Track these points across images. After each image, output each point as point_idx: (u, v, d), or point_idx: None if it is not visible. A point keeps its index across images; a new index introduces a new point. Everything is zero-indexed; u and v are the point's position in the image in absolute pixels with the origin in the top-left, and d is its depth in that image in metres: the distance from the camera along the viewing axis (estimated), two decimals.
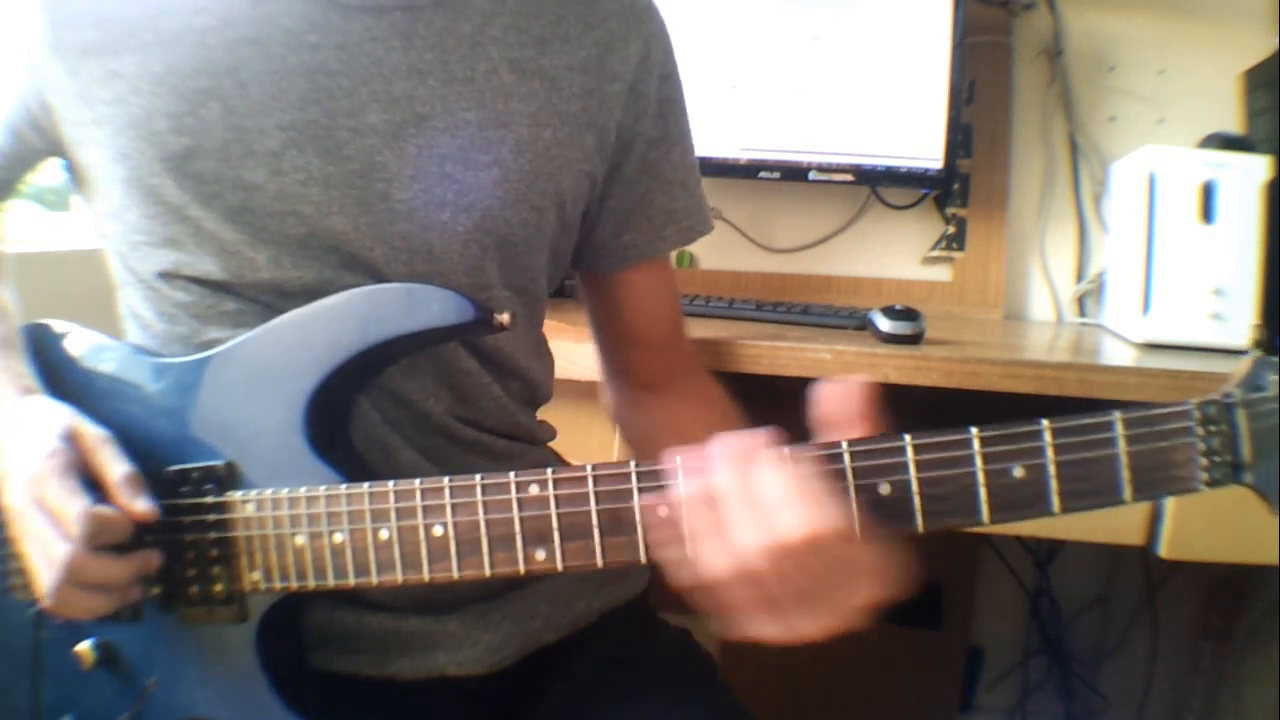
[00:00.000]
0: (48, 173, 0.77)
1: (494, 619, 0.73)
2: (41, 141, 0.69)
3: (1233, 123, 1.39)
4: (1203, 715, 1.55)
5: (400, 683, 0.70)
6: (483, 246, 0.70)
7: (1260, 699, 1.39)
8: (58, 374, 0.70)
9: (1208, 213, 1.12)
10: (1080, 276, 1.49)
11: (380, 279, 0.67)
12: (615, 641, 0.78)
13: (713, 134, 1.39)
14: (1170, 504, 0.92)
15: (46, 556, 0.60)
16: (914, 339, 1.04)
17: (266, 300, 0.68)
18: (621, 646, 0.78)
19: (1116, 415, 0.47)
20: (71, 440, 0.61)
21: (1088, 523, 0.96)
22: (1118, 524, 0.96)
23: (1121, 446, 0.47)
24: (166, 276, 0.68)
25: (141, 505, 0.60)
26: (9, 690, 0.70)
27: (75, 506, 0.58)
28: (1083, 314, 1.49)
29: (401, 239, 0.67)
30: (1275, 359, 0.47)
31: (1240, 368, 0.48)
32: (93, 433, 0.62)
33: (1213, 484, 0.47)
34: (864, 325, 1.11)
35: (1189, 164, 1.13)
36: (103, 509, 0.59)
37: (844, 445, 0.50)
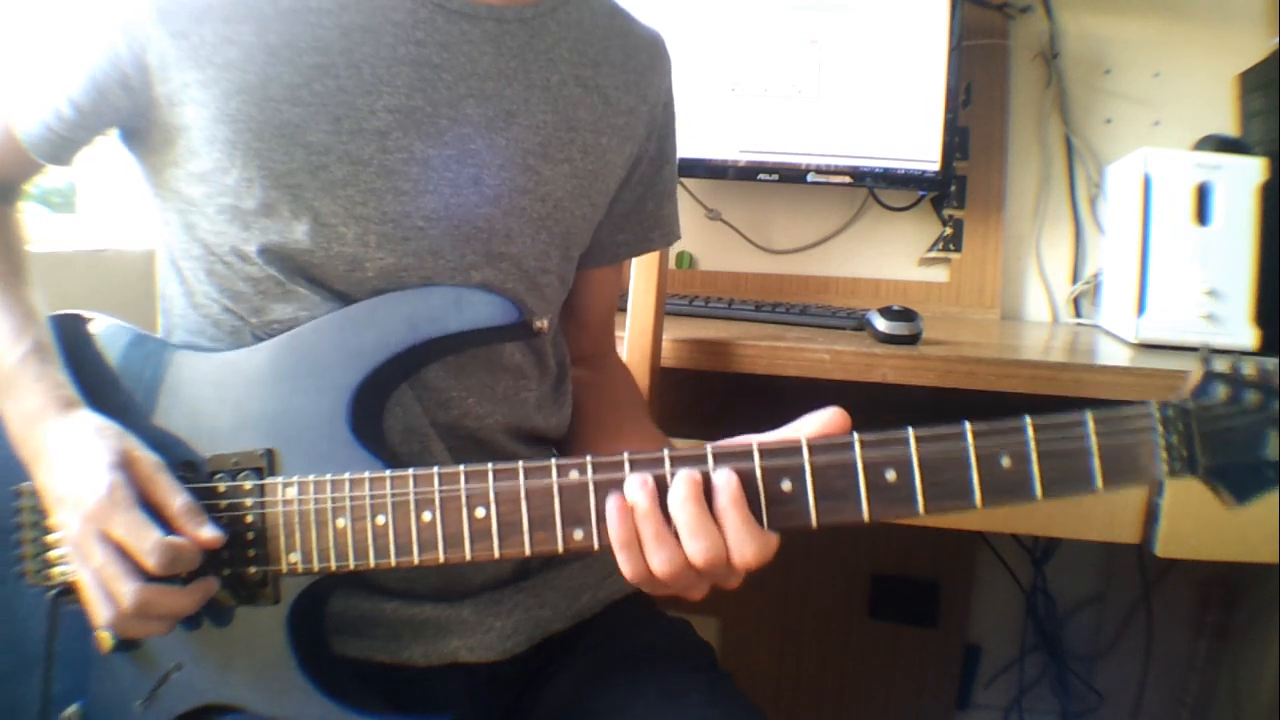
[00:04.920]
0: (53, 175, 0.78)
1: (505, 607, 0.75)
2: (128, 102, 0.70)
3: (1228, 125, 1.40)
4: (1197, 712, 1.56)
5: (414, 669, 0.73)
6: (551, 235, 0.78)
7: (1255, 695, 1.40)
8: (88, 365, 0.71)
9: (1203, 214, 1.13)
10: (1076, 277, 1.51)
11: (456, 268, 0.72)
12: (619, 630, 0.81)
13: (712, 136, 1.40)
14: (1165, 503, 0.93)
15: (108, 590, 0.62)
16: (911, 339, 1.05)
17: (340, 287, 0.70)
18: (625, 635, 0.80)
19: (1089, 414, 0.54)
20: (127, 468, 0.63)
21: (1084, 521, 0.97)
22: (1113, 523, 0.96)
23: (1093, 441, 0.53)
24: (263, 248, 0.70)
25: (208, 533, 0.62)
26: (16, 679, 0.70)
27: (149, 539, 0.60)
28: (1078, 314, 1.51)
29: (484, 220, 0.73)
30: (1224, 371, 0.54)
31: (1193, 377, 0.55)
32: (146, 458, 0.64)
33: (1173, 474, 0.53)
34: (862, 326, 1.12)
35: (1184, 166, 1.14)
36: (176, 539, 0.61)
37: (854, 438, 0.55)
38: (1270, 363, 0.54)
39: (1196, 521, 0.93)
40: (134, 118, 0.71)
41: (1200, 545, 0.94)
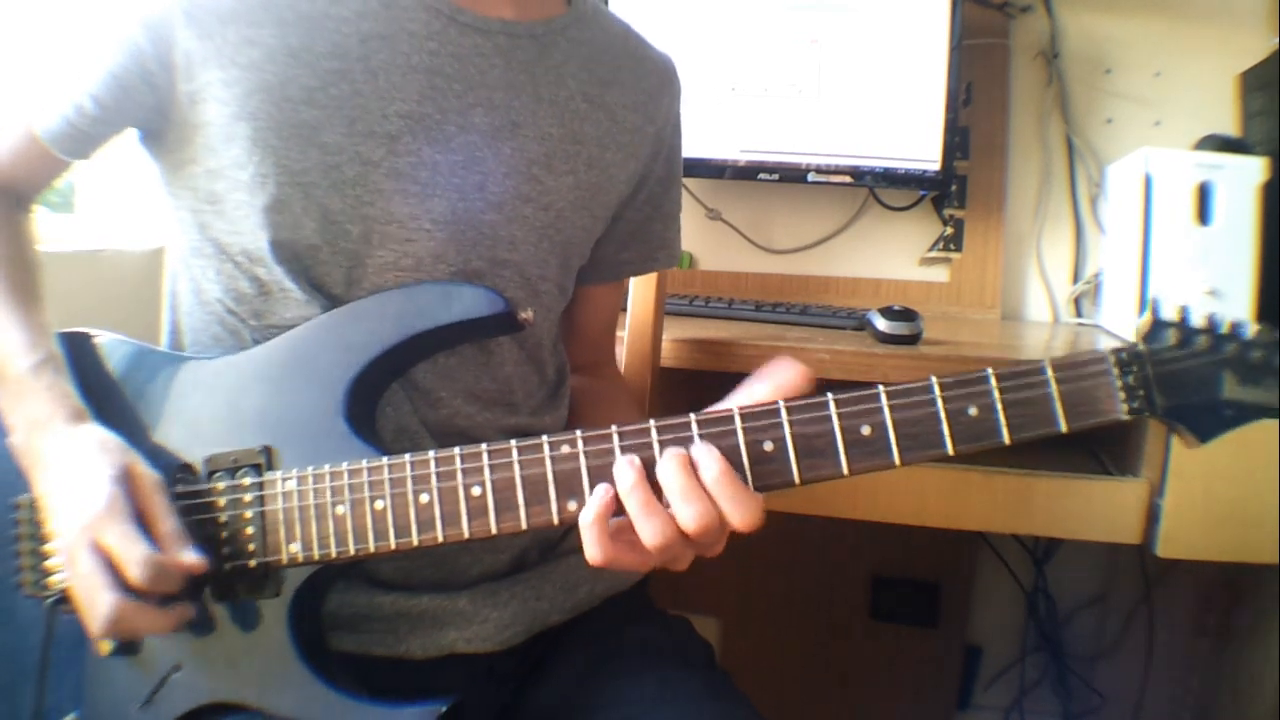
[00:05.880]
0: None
1: (503, 598, 0.76)
2: (151, 98, 0.71)
3: (1229, 125, 1.40)
4: (1199, 713, 1.56)
5: (412, 661, 0.74)
6: (552, 244, 0.80)
7: (1256, 696, 1.39)
8: (93, 379, 0.72)
9: (1204, 214, 1.13)
10: (1077, 277, 1.50)
11: (459, 271, 0.74)
12: (617, 624, 0.82)
13: (712, 136, 1.40)
14: (1166, 504, 0.93)
15: (92, 601, 0.62)
16: (912, 339, 1.05)
17: (339, 290, 0.72)
18: (623, 629, 0.82)
19: (1046, 361, 0.58)
20: (127, 483, 0.64)
21: (1084, 522, 0.97)
22: (1114, 523, 0.96)
23: (1053, 386, 0.57)
24: (273, 243, 0.71)
25: (190, 558, 0.63)
26: (14, 690, 0.70)
27: (137, 551, 0.61)
28: (1079, 314, 1.50)
29: (489, 226, 0.75)
30: (1172, 320, 0.58)
31: (1141, 324, 0.58)
32: (146, 475, 0.65)
33: (1133, 414, 0.57)
34: (862, 326, 1.12)
35: (1185, 165, 1.13)
36: (164, 556, 0.62)
37: (829, 397, 0.59)
38: (1219, 314, 0.57)
39: (1198, 523, 0.93)
40: (154, 114, 0.72)
41: (1202, 546, 0.94)
